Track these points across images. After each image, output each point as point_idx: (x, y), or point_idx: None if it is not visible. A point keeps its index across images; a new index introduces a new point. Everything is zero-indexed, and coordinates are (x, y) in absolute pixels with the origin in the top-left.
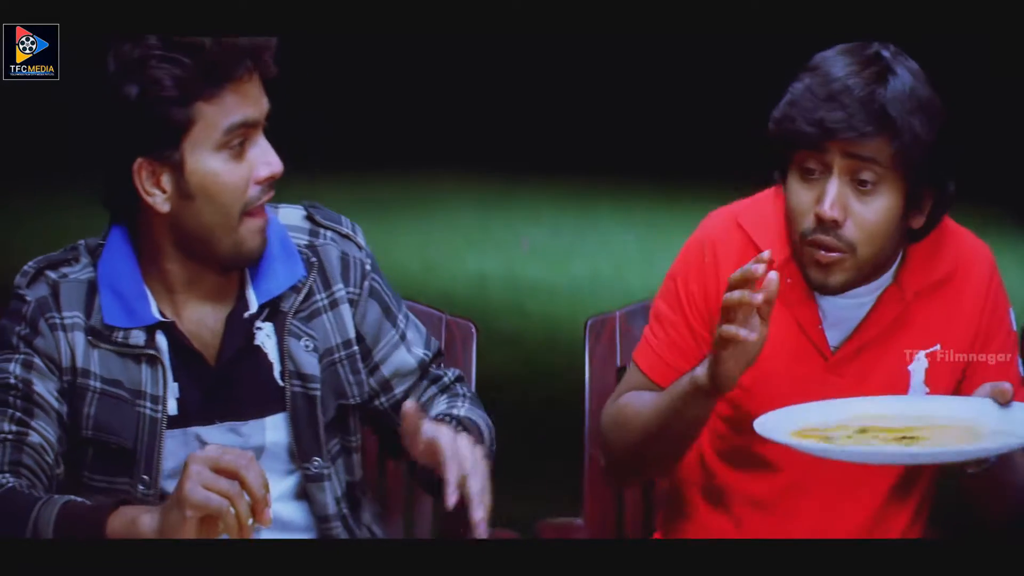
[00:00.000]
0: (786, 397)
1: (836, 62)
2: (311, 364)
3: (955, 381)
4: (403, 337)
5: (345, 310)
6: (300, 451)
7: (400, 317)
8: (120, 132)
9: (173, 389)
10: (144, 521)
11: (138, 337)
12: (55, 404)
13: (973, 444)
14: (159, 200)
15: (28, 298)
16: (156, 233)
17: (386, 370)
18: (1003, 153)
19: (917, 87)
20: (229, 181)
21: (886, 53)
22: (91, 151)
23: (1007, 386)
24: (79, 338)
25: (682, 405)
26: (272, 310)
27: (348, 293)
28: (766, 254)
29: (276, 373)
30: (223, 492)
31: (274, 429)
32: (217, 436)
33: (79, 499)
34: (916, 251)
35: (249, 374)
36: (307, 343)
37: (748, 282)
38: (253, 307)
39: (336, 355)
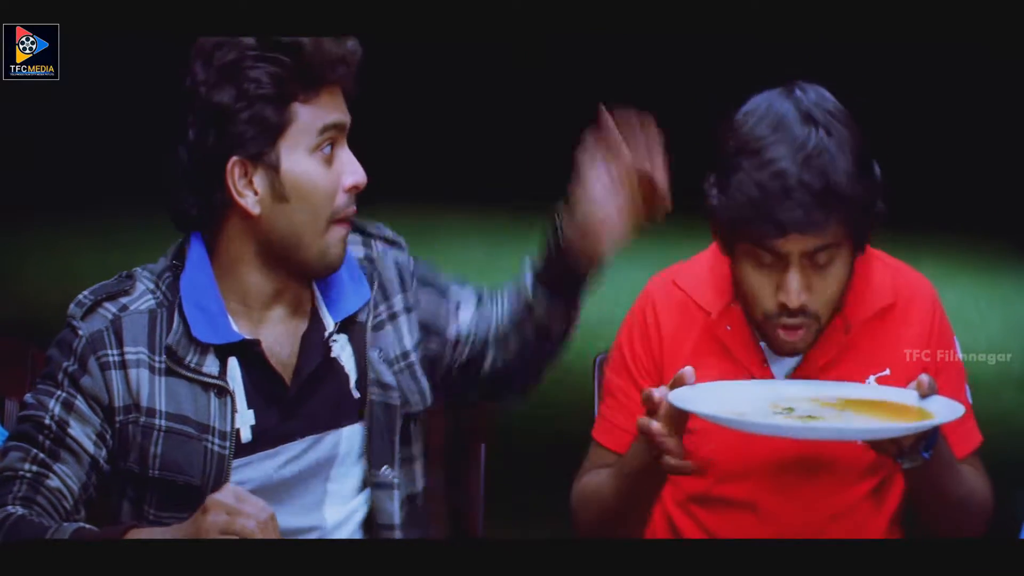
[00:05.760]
0: (737, 437)
1: (776, 147)
2: (388, 373)
3: None
4: (458, 306)
5: (402, 321)
6: (372, 459)
7: (452, 289)
8: (215, 133)
9: (248, 417)
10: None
11: (211, 366)
12: (91, 449)
13: (882, 424)
14: (251, 201)
15: (81, 332)
16: (238, 242)
17: (466, 328)
18: (1012, 188)
19: (849, 143)
20: (321, 185)
21: (818, 114)
22: (181, 156)
23: (924, 378)
24: (143, 375)
25: (633, 479)
26: (346, 322)
27: (404, 303)
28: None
29: (352, 384)
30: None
31: (349, 439)
32: (297, 449)
33: (88, 525)
34: (856, 283)
35: (326, 388)
36: (380, 354)
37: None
38: (330, 326)
39: (396, 366)
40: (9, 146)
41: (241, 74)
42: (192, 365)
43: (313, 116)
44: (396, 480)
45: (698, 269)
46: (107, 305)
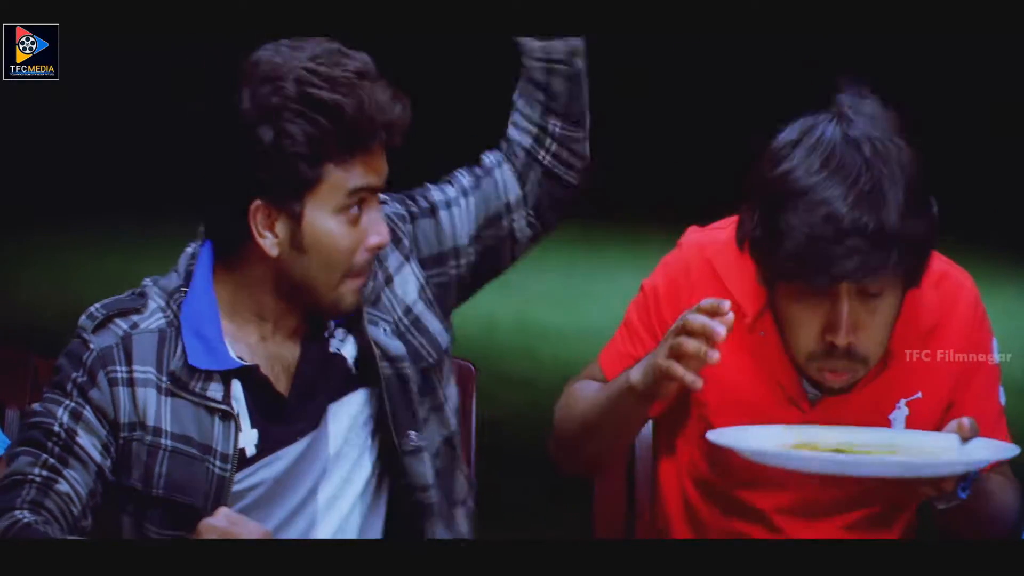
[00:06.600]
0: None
1: (826, 187)
2: (397, 346)
3: (935, 427)
4: (448, 204)
5: (398, 279)
6: (396, 427)
7: (438, 198)
8: (245, 171)
9: (252, 436)
10: None
11: (215, 391)
12: (97, 458)
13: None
14: (269, 243)
15: (92, 345)
16: (259, 268)
17: (464, 230)
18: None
19: (903, 176)
20: (342, 244)
21: (869, 146)
22: (210, 180)
23: (966, 421)
24: (151, 395)
25: (615, 403)
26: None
27: (403, 255)
28: (727, 310)
29: (350, 363)
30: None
31: (342, 410)
32: (299, 448)
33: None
34: (903, 308)
35: (326, 382)
36: (385, 327)
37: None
38: (331, 326)
39: (402, 325)
40: (9, 148)
41: (279, 124)
42: (196, 390)
43: (345, 178)
44: (423, 443)
45: (735, 256)
46: (118, 321)
